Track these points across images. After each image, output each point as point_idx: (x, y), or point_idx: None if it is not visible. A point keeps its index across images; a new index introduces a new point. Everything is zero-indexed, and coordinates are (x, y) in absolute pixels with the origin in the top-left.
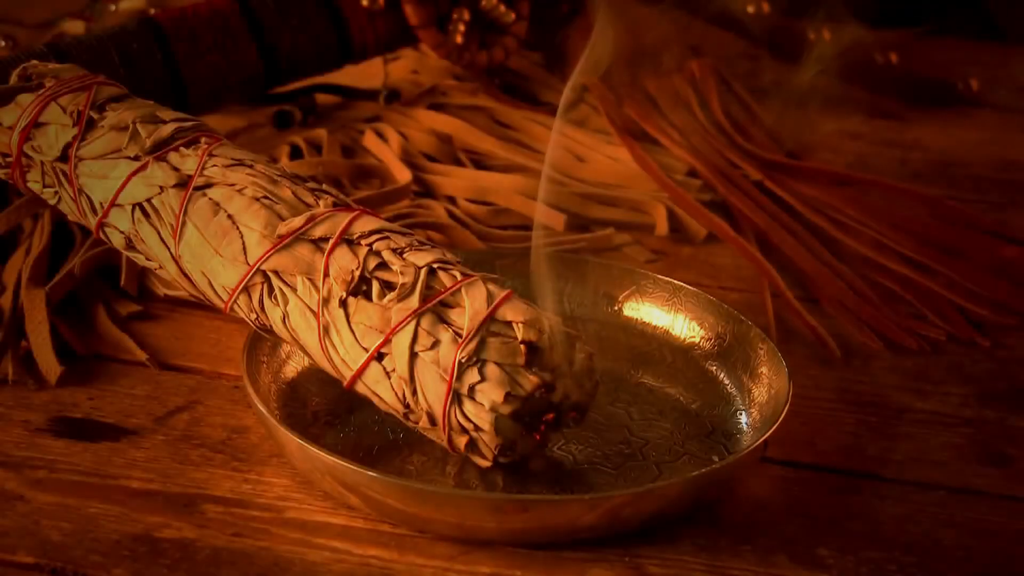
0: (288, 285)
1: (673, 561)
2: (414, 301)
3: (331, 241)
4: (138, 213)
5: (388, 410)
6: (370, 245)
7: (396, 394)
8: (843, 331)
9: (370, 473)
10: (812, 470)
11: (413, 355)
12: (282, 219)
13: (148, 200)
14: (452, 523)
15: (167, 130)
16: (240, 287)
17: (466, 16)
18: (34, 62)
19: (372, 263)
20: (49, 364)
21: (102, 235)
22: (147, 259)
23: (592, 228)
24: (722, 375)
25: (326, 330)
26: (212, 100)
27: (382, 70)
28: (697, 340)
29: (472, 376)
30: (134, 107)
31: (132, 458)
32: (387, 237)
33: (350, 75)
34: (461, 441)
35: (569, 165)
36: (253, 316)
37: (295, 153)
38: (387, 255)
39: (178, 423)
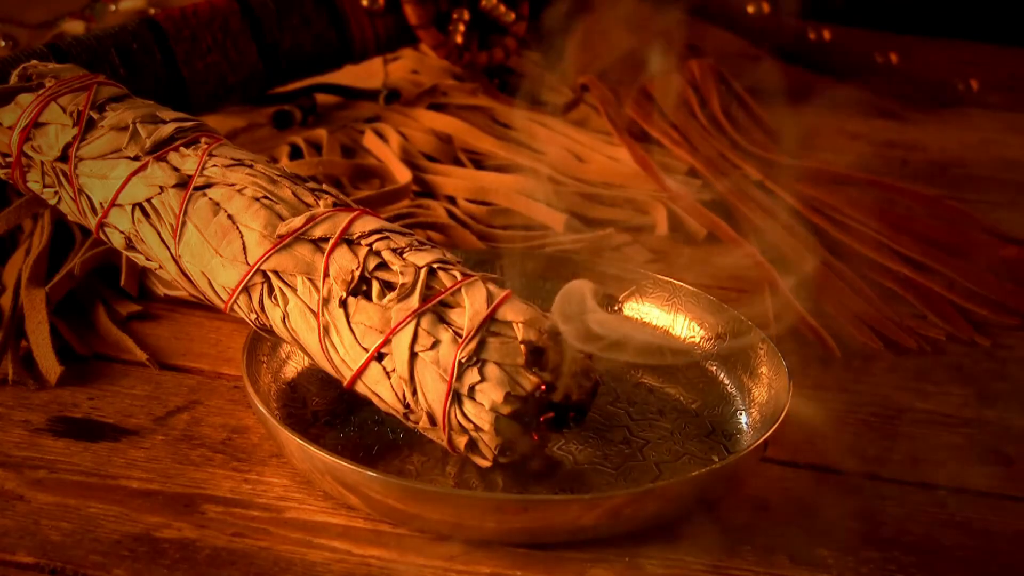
0: (288, 285)
1: (673, 561)
2: (414, 301)
3: (331, 241)
4: (138, 213)
5: (388, 410)
6: (370, 245)
7: (396, 394)
8: (843, 331)
9: (370, 473)
10: (812, 470)
11: (413, 355)
12: (282, 219)
13: (148, 200)
14: (452, 523)
15: (167, 130)
16: (240, 287)
17: (466, 16)
18: (34, 62)
19: (372, 263)
20: (49, 364)
21: (102, 235)
22: (147, 259)
23: (592, 228)
24: (722, 375)
25: (326, 330)
26: (212, 100)
27: (382, 70)
28: (697, 340)
29: (472, 376)
30: (134, 107)
31: (132, 458)
32: (387, 237)
33: (350, 75)
34: (461, 441)
35: (569, 165)
36: (253, 316)
37: (295, 153)
38: (387, 255)
39: (178, 423)
